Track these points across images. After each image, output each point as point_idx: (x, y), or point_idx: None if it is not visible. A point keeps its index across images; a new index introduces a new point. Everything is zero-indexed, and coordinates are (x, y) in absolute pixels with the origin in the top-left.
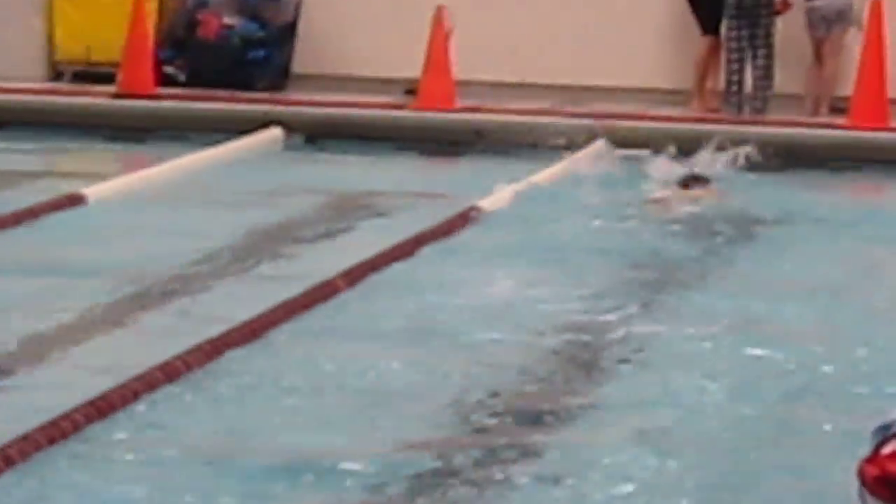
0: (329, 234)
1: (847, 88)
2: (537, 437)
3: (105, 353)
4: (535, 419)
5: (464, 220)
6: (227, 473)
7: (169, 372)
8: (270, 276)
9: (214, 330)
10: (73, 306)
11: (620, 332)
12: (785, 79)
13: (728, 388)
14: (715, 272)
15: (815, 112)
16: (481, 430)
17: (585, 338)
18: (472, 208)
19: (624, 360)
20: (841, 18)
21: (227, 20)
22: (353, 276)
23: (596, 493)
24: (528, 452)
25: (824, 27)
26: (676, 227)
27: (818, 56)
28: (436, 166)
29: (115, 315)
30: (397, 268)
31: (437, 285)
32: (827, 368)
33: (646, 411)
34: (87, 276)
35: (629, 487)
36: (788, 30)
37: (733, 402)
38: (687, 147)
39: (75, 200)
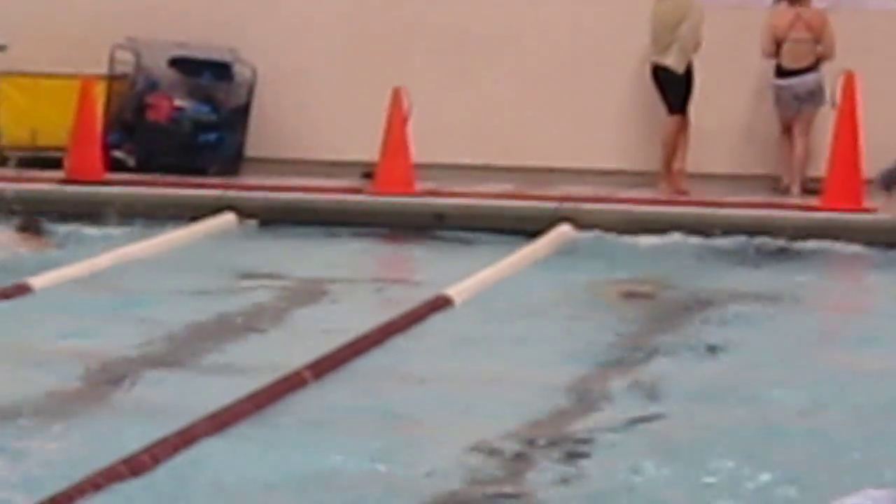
0: (287, 323)
1: (820, 168)
2: None
3: (62, 445)
4: None
5: (430, 308)
6: None
7: (134, 466)
8: (229, 365)
9: (178, 421)
10: (28, 392)
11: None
12: (754, 159)
13: None
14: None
15: (787, 190)
16: None
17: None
18: (439, 297)
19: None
20: (812, 97)
21: (178, 103)
22: (321, 367)
23: None
24: None
25: (795, 106)
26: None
27: (788, 134)
28: (395, 251)
29: (72, 403)
30: (365, 358)
31: (405, 376)
32: None
33: None
34: (39, 365)
35: None
36: (759, 107)
37: None
38: (655, 230)
39: (21, 290)
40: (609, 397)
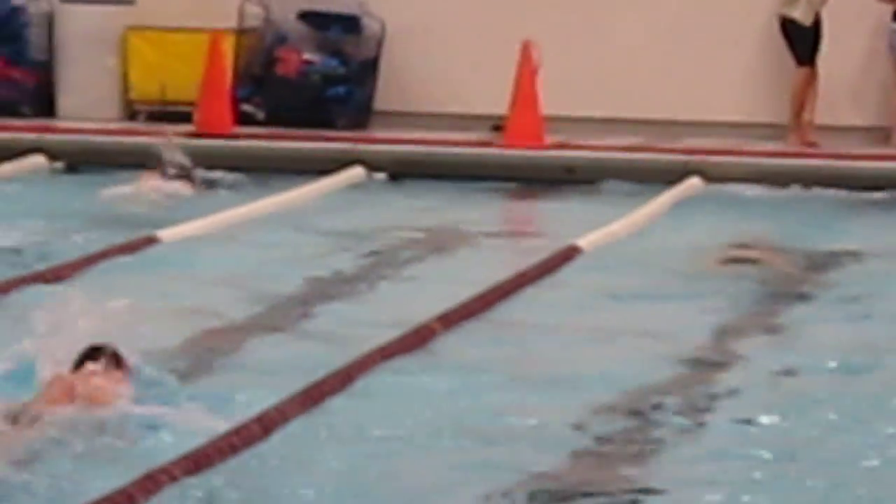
0: (417, 276)
1: None
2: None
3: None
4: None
5: (563, 259)
6: None
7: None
8: (363, 318)
9: (311, 375)
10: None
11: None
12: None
13: None
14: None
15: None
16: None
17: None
18: (571, 248)
19: None
20: None
21: (307, 56)
22: (451, 318)
23: None
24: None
25: None
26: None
27: None
28: (525, 204)
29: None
30: (498, 309)
31: (539, 327)
32: None
33: None
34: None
35: None
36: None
37: None
38: (781, 182)
39: (150, 241)
40: (738, 352)
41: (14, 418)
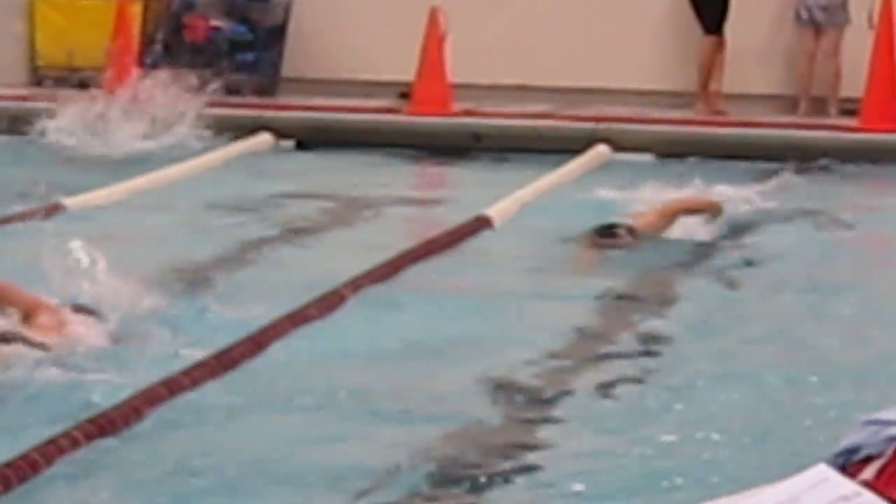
0: (325, 242)
1: (857, 89)
2: None
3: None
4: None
5: (470, 229)
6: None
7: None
8: (270, 284)
9: (220, 342)
10: None
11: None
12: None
13: None
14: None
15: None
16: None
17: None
18: (479, 218)
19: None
20: (830, 16)
21: (215, 23)
22: (359, 284)
23: None
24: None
25: (812, 25)
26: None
27: (810, 55)
28: (432, 172)
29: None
30: (404, 277)
31: (447, 296)
32: None
33: None
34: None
35: None
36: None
37: None
38: (692, 151)
39: (56, 209)
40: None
41: None
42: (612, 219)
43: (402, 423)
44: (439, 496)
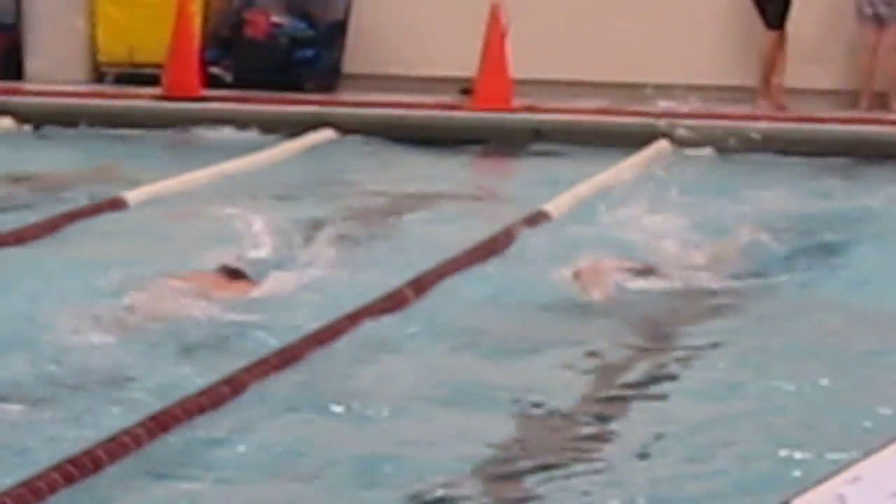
0: (390, 237)
1: None
2: None
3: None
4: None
5: (529, 223)
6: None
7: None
8: (333, 281)
9: (282, 338)
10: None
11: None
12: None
13: None
14: None
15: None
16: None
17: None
18: (539, 213)
19: None
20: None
21: (276, 19)
22: (422, 284)
23: None
24: None
25: (875, 19)
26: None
27: (871, 49)
28: (494, 167)
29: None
30: (466, 274)
31: (506, 292)
32: None
33: None
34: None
35: None
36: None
37: None
38: (751, 146)
39: (116, 204)
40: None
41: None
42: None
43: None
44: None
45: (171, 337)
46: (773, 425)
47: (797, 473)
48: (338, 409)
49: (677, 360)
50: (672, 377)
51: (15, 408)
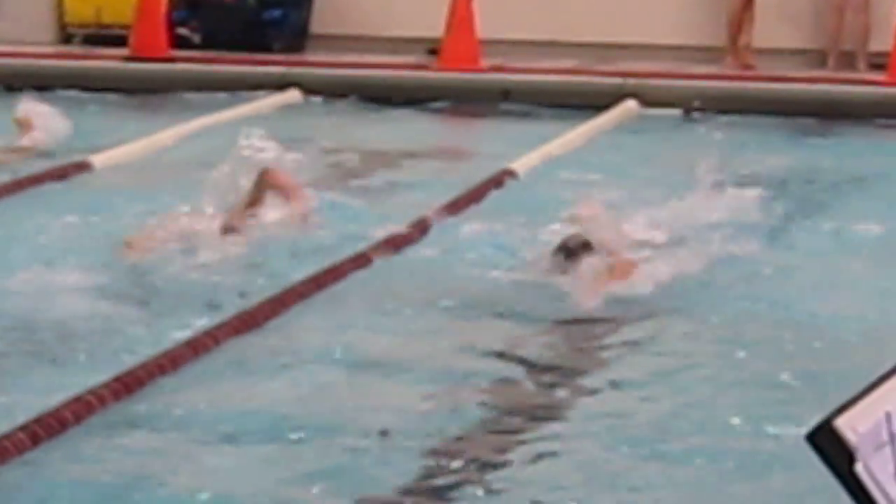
0: (356, 196)
1: (886, 44)
2: None
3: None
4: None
5: (495, 183)
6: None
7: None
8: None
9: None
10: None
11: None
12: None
13: None
14: None
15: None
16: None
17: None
18: (505, 171)
19: None
20: None
21: None
22: (389, 243)
23: None
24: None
25: None
26: None
27: (837, 9)
28: (461, 128)
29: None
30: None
31: (475, 252)
32: None
33: None
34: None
35: None
36: None
37: None
38: (721, 107)
39: (82, 168)
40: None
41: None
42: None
43: None
44: None
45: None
46: None
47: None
48: (298, 368)
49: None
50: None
51: None
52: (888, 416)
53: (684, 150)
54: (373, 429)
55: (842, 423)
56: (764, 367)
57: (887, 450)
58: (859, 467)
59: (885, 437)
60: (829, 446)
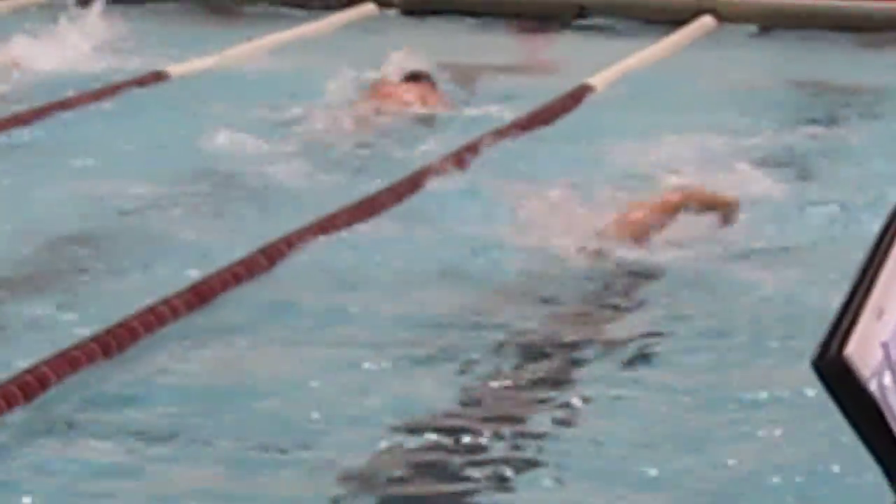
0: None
1: None
2: None
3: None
4: None
5: (575, 99)
6: None
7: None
8: (377, 151)
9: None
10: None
11: None
12: None
13: None
14: None
15: None
16: None
17: None
18: (583, 87)
19: None
20: None
21: None
22: (462, 155)
23: None
24: None
25: None
26: None
27: None
28: (537, 42)
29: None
30: (508, 149)
31: (553, 167)
32: None
33: None
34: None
35: None
36: None
37: None
38: (798, 24)
39: (160, 77)
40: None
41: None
42: None
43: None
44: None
45: None
46: None
47: None
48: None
49: None
50: None
51: None
52: (884, 345)
53: (760, 66)
54: None
55: (851, 352)
56: None
57: (888, 375)
58: (873, 386)
59: (884, 364)
60: (837, 374)
